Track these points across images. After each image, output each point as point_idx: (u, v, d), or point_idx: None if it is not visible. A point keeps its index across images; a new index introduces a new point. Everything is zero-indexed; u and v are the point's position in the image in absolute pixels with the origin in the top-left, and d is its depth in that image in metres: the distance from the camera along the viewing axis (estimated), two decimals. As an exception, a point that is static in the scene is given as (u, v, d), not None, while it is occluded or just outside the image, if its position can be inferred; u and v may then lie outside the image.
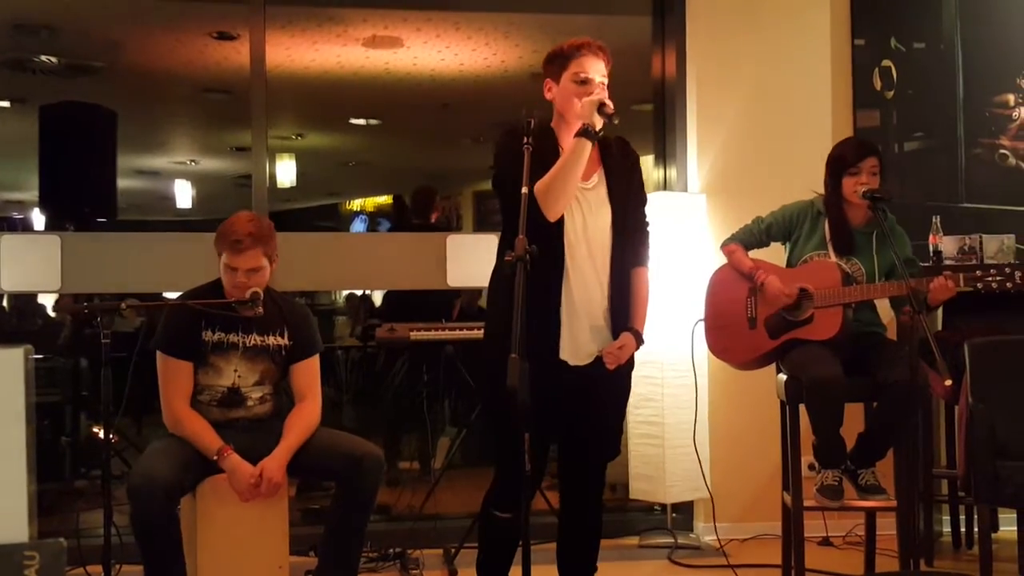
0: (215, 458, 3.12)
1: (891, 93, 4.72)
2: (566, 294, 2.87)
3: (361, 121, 8.39)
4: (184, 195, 10.32)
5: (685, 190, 4.63)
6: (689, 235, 4.42)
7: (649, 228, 3.04)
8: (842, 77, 4.70)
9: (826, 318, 3.43)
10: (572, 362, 2.89)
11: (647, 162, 3.11)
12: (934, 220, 4.35)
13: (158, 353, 3.25)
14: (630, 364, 2.97)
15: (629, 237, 2.95)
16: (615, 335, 2.91)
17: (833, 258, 3.52)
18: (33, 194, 5.55)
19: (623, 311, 2.93)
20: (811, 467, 3.48)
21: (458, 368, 5.33)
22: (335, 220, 12.52)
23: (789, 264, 3.65)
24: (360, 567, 3.35)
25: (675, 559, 4.21)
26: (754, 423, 4.35)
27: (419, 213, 5.79)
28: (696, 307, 3.82)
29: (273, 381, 3.34)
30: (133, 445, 4.66)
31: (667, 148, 4.75)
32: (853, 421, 3.46)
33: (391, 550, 4.07)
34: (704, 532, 4.49)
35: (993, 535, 3.86)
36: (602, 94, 2.84)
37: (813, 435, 3.41)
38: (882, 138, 4.63)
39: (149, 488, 2.94)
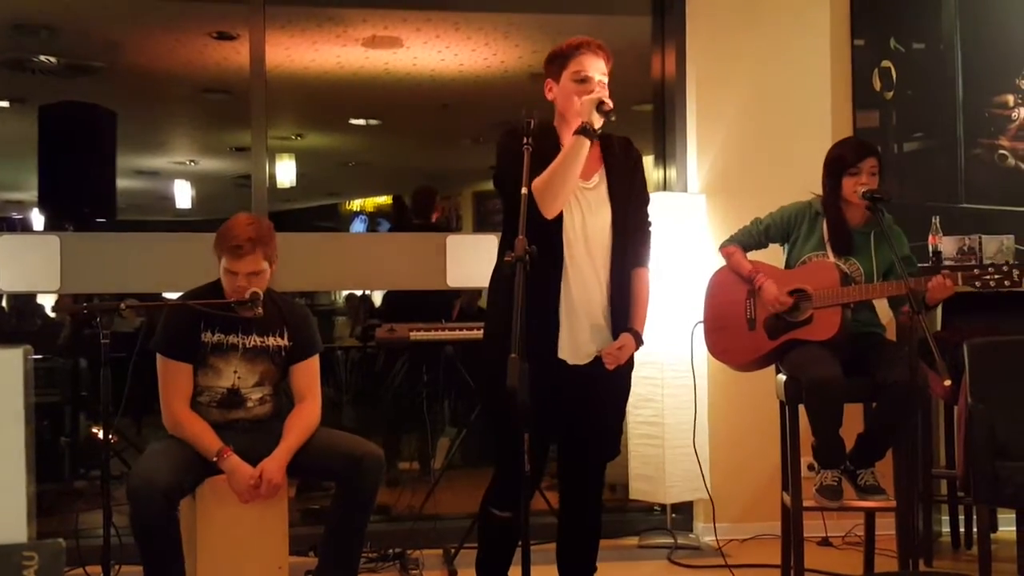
0: (215, 459, 3.12)
1: (890, 93, 4.72)
2: (565, 293, 2.86)
3: (361, 121, 8.38)
4: (184, 195, 10.30)
5: (685, 190, 4.63)
6: (689, 235, 4.42)
7: (651, 228, 3.04)
8: (842, 77, 4.70)
9: (825, 318, 3.44)
10: (571, 361, 2.89)
11: (647, 162, 3.11)
12: (933, 220, 4.34)
13: (158, 355, 3.25)
14: (630, 364, 2.96)
15: (629, 237, 2.94)
16: (615, 335, 2.91)
17: (831, 258, 3.52)
18: (32, 194, 5.53)
19: (623, 311, 2.92)
20: (810, 467, 3.48)
21: (458, 368, 5.33)
22: (335, 220, 12.50)
23: (788, 265, 3.65)
24: (360, 567, 3.35)
25: (675, 559, 4.21)
26: (754, 424, 4.34)
27: (419, 213, 5.79)
28: (696, 308, 3.82)
29: (273, 382, 3.34)
30: (133, 445, 4.65)
31: (667, 148, 4.75)
32: (852, 421, 3.46)
33: (391, 550, 4.07)
34: (704, 532, 4.49)
35: (992, 535, 3.87)
36: (602, 92, 2.84)
37: (812, 435, 3.41)
38: (881, 138, 4.63)
39: (148, 490, 2.93)
